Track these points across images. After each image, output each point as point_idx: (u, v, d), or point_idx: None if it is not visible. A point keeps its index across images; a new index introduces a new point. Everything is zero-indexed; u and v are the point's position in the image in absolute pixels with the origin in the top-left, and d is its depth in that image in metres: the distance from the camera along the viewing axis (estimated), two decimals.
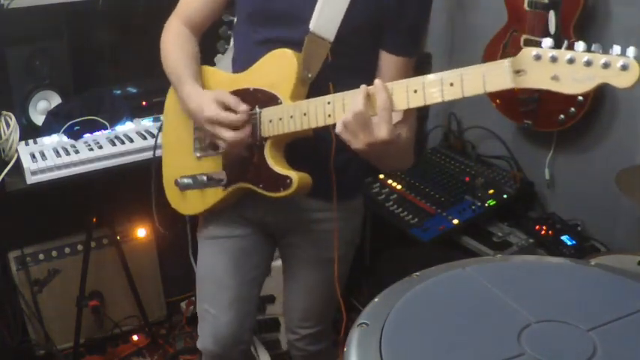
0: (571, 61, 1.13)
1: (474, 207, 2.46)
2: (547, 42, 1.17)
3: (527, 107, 2.38)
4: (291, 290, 1.92)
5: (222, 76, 1.72)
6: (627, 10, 2.16)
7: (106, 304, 2.72)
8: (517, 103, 2.40)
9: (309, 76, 1.53)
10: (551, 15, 2.21)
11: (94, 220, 2.49)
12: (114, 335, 2.76)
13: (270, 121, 1.53)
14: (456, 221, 2.41)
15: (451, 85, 1.25)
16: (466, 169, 2.67)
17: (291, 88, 1.52)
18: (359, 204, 1.81)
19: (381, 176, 2.73)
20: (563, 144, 2.45)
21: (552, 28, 2.22)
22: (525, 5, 2.28)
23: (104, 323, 2.72)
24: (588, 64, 1.12)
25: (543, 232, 2.35)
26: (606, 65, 1.11)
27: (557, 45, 1.18)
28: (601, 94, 2.26)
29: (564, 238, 2.31)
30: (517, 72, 1.18)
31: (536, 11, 2.26)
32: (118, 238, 2.64)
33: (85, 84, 2.57)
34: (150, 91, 2.65)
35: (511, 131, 2.64)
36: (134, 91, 2.69)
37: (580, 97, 2.22)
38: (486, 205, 2.46)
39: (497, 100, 2.52)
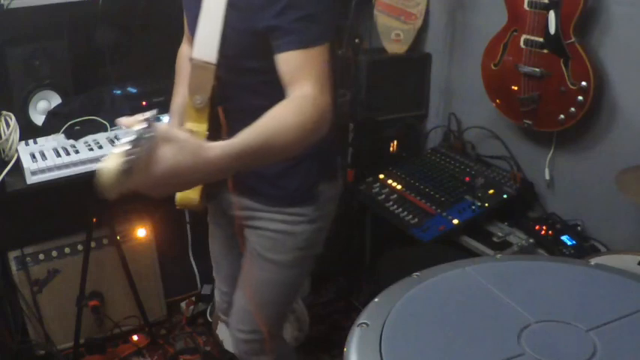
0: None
1: (474, 207, 2.46)
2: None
3: (527, 107, 2.38)
4: (238, 286, 1.91)
5: None
6: (627, 10, 2.16)
7: (106, 304, 2.72)
8: (517, 103, 2.40)
9: (198, 102, 1.55)
10: (551, 15, 2.21)
11: (94, 220, 2.49)
12: (114, 335, 2.76)
13: None
14: (456, 221, 2.41)
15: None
16: (466, 169, 2.67)
17: (187, 116, 1.58)
18: (309, 212, 1.72)
19: (381, 176, 2.74)
20: (563, 144, 2.45)
21: (552, 28, 2.22)
22: (525, 5, 2.28)
23: (104, 323, 2.72)
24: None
25: (543, 232, 2.35)
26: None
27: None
28: (600, 93, 2.26)
29: (564, 238, 2.31)
30: None
31: (536, 11, 2.26)
32: (118, 238, 2.64)
33: (85, 84, 2.58)
34: (150, 91, 2.65)
35: (511, 131, 2.64)
36: (134, 91, 2.70)
37: (580, 97, 2.22)
38: (486, 205, 2.46)
39: (497, 100, 2.52)
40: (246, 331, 1.88)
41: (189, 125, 1.57)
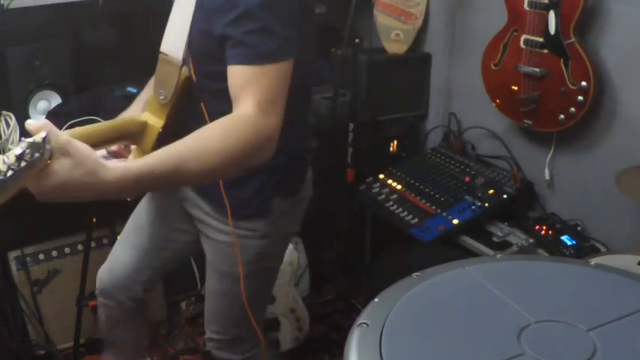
0: None
1: (474, 207, 2.46)
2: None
3: (527, 107, 2.38)
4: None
5: None
6: (627, 10, 2.16)
7: None
8: (517, 103, 2.40)
9: (162, 97, 1.51)
10: (551, 15, 2.21)
11: (94, 220, 2.49)
12: None
13: None
14: (456, 221, 2.41)
15: None
16: (466, 169, 2.67)
17: (148, 107, 1.56)
18: (259, 227, 1.66)
19: (381, 176, 2.73)
20: (563, 144, 2.45)
21: (552, 29, 2.22)
22: (525, 5, 2.28)
23: None
24: None
25: (543, 232, 2.35)
26: None
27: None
28: (600, 93, 2.26)
29: (564, 238, 2.31)
30: None
31: (536, 11, 2.26)
32: (118, 238, 2.63)
33: (85, 84, 2.57)
34: None
35: (511, 131, 2.64)
36: (134, 91, 2.69)
37: (580, 97, 2.22)
38: (486, 205, 2.46)
39: (498, 100, 2.52)
40: (214, 332, 1.87)
41: (146, 116, 1.53)
